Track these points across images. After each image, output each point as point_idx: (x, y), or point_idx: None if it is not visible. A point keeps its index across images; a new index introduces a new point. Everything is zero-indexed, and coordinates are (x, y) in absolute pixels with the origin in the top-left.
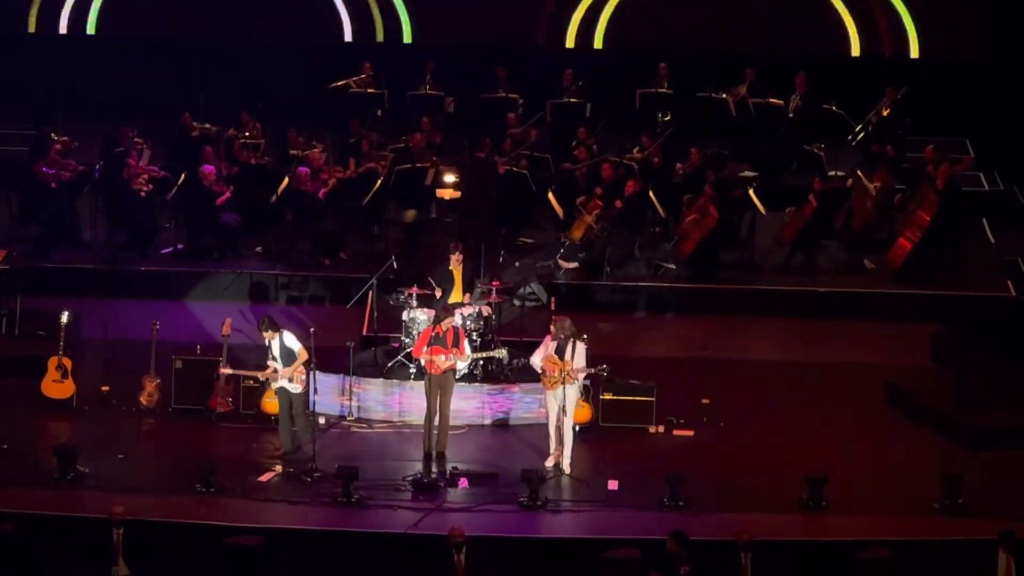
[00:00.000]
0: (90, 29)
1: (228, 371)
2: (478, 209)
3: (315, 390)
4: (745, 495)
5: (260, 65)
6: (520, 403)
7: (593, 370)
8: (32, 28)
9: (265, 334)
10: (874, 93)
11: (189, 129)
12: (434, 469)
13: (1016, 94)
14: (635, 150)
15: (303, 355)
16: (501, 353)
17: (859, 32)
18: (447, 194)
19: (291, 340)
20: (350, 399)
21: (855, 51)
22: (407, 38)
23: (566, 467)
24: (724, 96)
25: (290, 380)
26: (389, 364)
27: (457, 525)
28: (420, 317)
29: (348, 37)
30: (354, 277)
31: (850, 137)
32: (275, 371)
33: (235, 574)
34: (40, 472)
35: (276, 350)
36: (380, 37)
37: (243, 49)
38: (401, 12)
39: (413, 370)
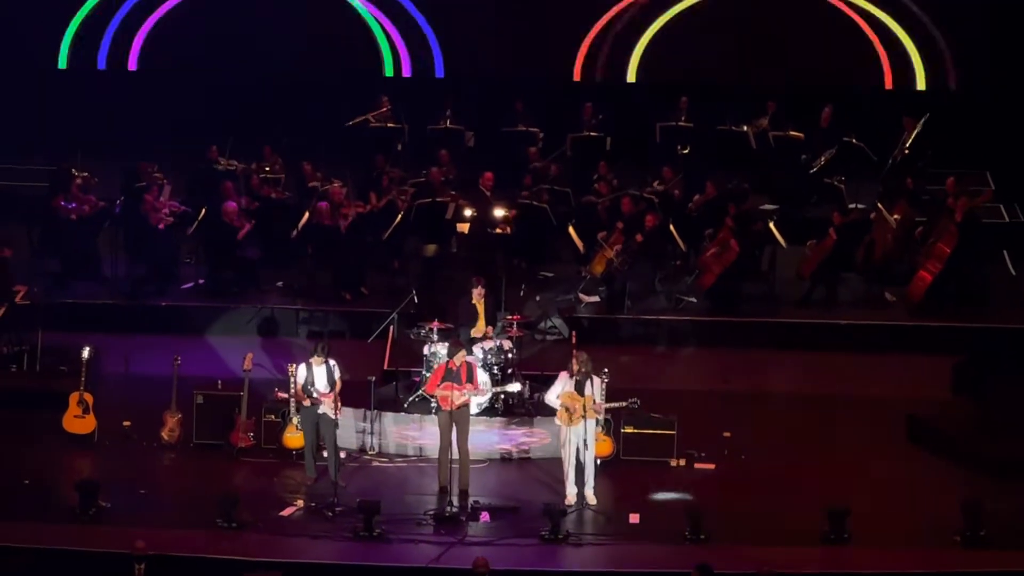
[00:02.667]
0: (103, 64)
1: (283, 395)
2: (483, 241)
3: (336, 424)
4: (767, 528)
5: (282, 98)
6: (540, 437)
7: (624, 403)
8: (64, 64)
9: (316, 358)
10: (896, 126)
11: (215, 163)
12: (455, 503)
13: None
14: (655, 183)
15: (340, 384)
16: (516, 387)
17: (889, 64)
18: (466, 228)
19: (336, 367)
20: (371, 433)
21: (887, 83)
22: (438, 72)
23: (591, 499)
24: (744, 129)
25: (328, 407)
26: (410, 398)
27: (481, 556)
28: (441, 351)
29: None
30: (375, 311)
31: (880, 169)
32: (320, 396)
33: None
34: (62, 507)
35: (322, 376)
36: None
37: (267, 82)
38: (431, 47)
39: (434, 404)
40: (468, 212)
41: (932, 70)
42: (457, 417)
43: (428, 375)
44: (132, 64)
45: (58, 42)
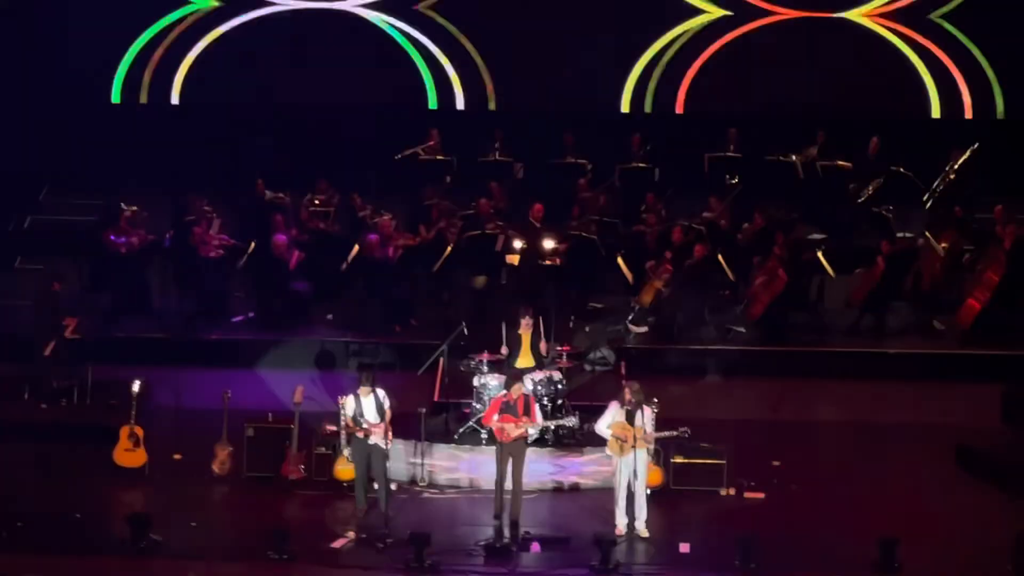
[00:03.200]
0: (143, 98)
1: (332, 428)
2: (533, 272)
3: (387, 455)
4: (817, 557)
5: (332, 131)
6: (590, 468)
7: (676, 432)
8: (117, 99)
9: (363, 389)
10: (943, 155)
11: (261, 196)
12: (506, 534)
13: None
14: (703, 212)
15: (389, 413)
16: (572, 421)
17: (937, 93)
18: (516, 260)
19: (385, 397)
20: (421, 465)
21: (935, 112)
22: (491, 105)
23: (643, 531)
24: (793, 159)
25: (378, 437)
26: (460, 430)
27: None
28: (491, 383)
29: (432, 104)
30: (425, 343)
31: (925, 198)
32: (371, 427)
33: None
34: (113, 540)
35: (371, 407)
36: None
37: (315, 115)
38: (488, 80)
39: (484, 436)
40: (518, 244)
41: (979, 99)
42: (512, 449)
43: (478, 406)
44: (176, 98)
45: (110, 77)
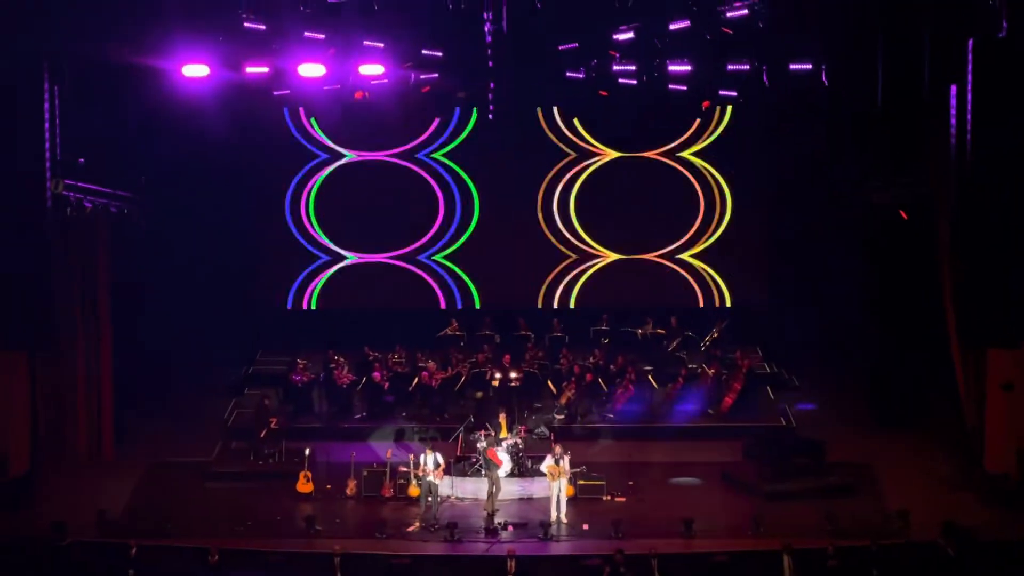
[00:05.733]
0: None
1: (403, 469)
2: (505, 389)
3: (438, 486)
4: (650, 529)
5: (397, 324)
6: (536, 486)
7: (578, 469)
8: (290, 306)
9: (428, 449)
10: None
11: (366, 355)
12: (493, 521)
13: None
14: (590, 358)
15: (443, 464)
16: (543, 463)
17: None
18: (497, 383)
19: (439, 456)
20: (452, 486)
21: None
22: (477, 304)
23: (564, 519)
24: (638, 331)
25: (435, 476)
26: (470, 470)
27: (511, 547)
28: (485, 445)
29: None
30: (452, 426)
31: (701, 347)
32: (430, 472)
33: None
34: (296, 528)
35: (431, 460)
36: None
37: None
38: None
39: (482, 471)
40: (498, 375)
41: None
42: (494, 475)
43: (480, 459)
44: (321, 305)
45: (287, 288)
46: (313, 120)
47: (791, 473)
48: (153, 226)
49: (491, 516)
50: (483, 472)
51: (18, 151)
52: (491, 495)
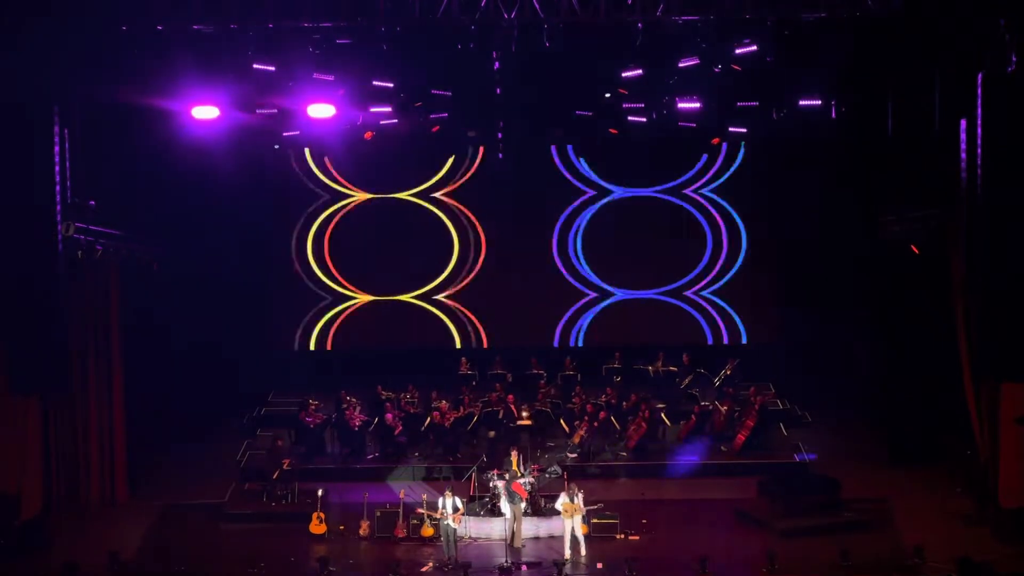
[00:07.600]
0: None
1: (420, 511)
2: (516, 428)
3: (456, 529)
4: (665, 568)
5: (409, 363)
6: (552, 525)
7: (594, 507)
8: (312, 347)
9: (448, 493)
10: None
11: (379, 395)
12: (509, 560)
13: None
14: (602, 396)
15: (462, 508)
16: (557, 502)
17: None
18: (524, 422)
19: (459, 500)
20: (465, 527)
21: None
22: (485, 344)
23: (583, 555)
24: (650, 368)
25: (453, 520)
26: (483, 511)
27: None
28: (499, 483)
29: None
30: (465, 466)
31: (715, 382)
32: (449, 516)
33: None
34: (308, 569)
35: (449, 504)
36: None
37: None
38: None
39: (500, 508)
40: (524, 413)
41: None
42: (518, 511)
43: (494, 496)
44: (333, 345)
45: (307, 331)
46: (325, 159)
47: (806, 510)
48: (164, 268)
49: (518, 551)
50: (509, 504)
51: (29, 194)
52: (517, 529)
